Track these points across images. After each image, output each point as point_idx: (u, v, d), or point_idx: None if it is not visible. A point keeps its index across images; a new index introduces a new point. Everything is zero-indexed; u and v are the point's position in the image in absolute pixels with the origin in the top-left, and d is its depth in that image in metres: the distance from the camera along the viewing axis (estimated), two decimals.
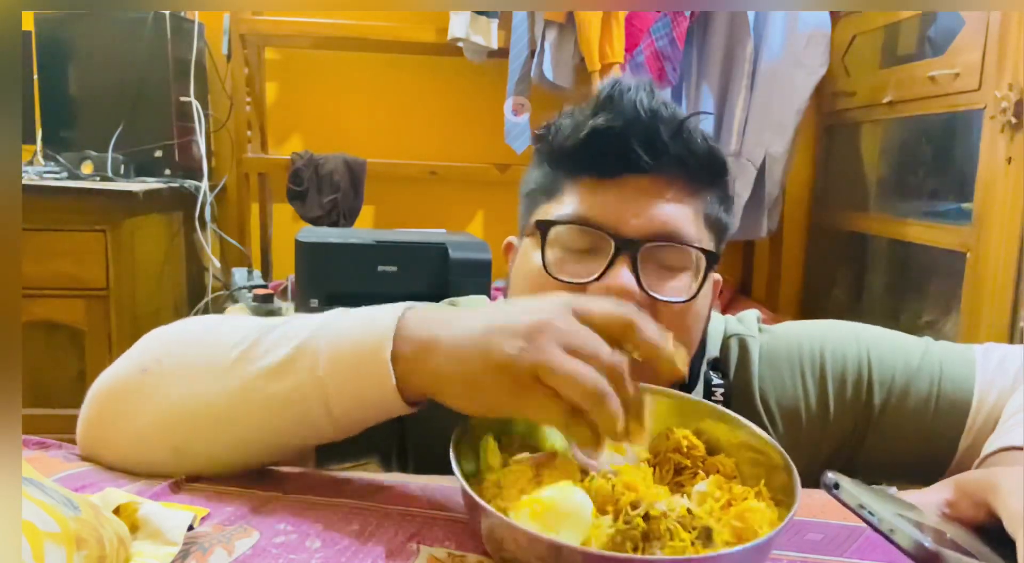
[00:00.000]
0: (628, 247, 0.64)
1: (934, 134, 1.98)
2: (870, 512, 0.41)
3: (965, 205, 1.69)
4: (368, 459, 0.78)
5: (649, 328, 0.49)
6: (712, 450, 0.56)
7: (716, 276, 0.72)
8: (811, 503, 0.58)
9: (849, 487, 0.42)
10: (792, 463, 0.50)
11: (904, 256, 2.08)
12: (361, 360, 0.51)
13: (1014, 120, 1.50)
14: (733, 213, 0.74)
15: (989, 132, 1.57)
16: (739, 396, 0.72)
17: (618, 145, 0.65)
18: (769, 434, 0.61)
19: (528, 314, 0.49)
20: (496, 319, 0.50)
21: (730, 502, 0.49)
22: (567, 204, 0.67)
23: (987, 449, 0.64)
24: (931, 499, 0.50)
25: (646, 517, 0.45)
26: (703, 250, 0.66)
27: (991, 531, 0.46)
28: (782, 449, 0.52)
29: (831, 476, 0.42)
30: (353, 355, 0.52)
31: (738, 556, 0.43)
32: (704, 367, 0.74)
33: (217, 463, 0.58)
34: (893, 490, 0.66)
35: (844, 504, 0.42)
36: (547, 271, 0.66)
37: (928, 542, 0.39)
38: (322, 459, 0.71)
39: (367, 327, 0.53)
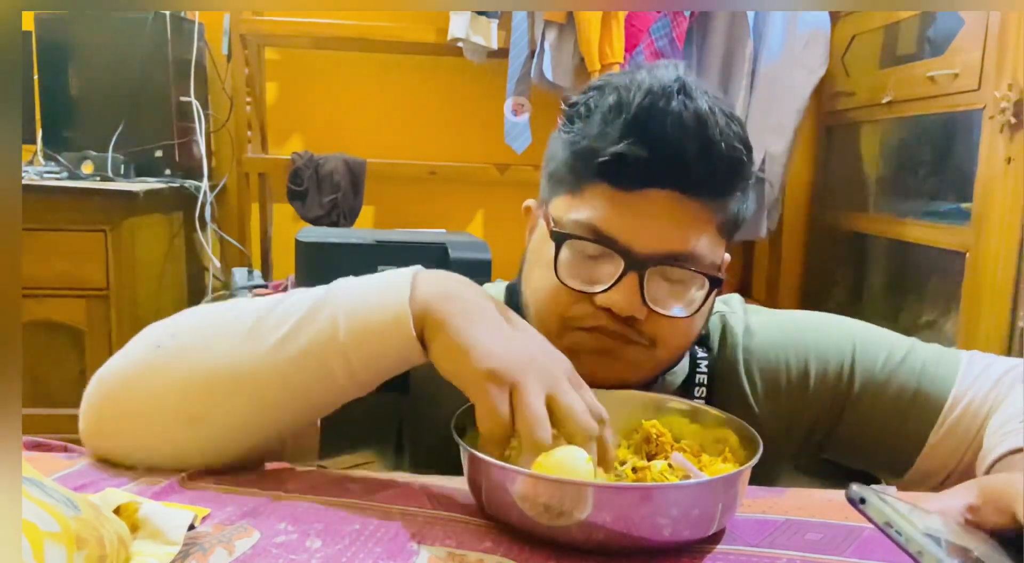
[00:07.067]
0: (636, 266, 0.64)
1: (934, 134, 1.98)
2: (897, 531, 0.41)
3: (965, 205, 1.69)
4: (367, 450, 0.80)
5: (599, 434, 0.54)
6: (677, 439, 0.62)
7: (725, 255, 0.73)
8: (811, 503, 0.58)
9: (876, 502, 0.41)
10: (753, 430, 0.57)
11: (904, 256, 2.08)
12: (383, 330, 0.56)
13: (1014, 120, 1.50)
14: (752, 197, 0.76)
15: (989, 132, 1.57)
16: (723, 367, 0.77)
17: (641, 166, 0.64)
18: (752, 401, 0.75)
19: (534, 368, 0.54)
20: (506, 356, 0.54)
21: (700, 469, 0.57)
22: (584, 209, 0.67)
23: (993, 454, 0.64)
24: (953, 504, 0.49)
25: (634, 470, 0.55)
26: (708, 275, 0.67)
27: (1013, 538, 0.46)
28: (742, 422, 0.59)
29: (856, 489, 0.41)
30: (375, 325, 0.56)
31: (713, 484, 0.51)
32: None
33: (234, 431, 0.59)
34: (892, 490, 0.66)
35: (870, 520, 0.41)
36: (557, 276, 0.66)
37: None
38: (325, 449, 0.73)
39: (383, 294, 0.57)
